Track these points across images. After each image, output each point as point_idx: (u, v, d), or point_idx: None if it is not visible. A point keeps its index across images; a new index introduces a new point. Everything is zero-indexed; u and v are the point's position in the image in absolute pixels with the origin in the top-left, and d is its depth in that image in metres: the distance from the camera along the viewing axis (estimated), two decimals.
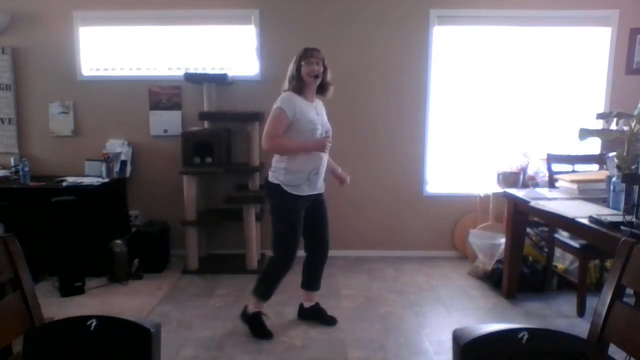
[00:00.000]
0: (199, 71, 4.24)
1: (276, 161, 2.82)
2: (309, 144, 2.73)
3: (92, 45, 4.27)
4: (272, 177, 2.80)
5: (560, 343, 1.34)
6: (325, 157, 2.85)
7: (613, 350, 1.50)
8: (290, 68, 2.78)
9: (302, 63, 2.73)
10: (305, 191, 2.78)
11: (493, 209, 4.11)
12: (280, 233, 2.82)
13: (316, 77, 2.76)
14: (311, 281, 3.10)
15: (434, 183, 4.41)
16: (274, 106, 2.72)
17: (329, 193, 3.05)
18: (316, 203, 2.89)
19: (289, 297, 3.48)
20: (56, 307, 3.23)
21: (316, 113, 2.80)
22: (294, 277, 3.87)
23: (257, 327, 2.92)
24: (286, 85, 2.80)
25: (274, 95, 4.39)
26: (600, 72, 4.27)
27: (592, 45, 4.26)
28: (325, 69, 2.80)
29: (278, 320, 3.11)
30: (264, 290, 2.91)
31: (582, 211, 2.70)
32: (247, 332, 2.93)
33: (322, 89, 2.84)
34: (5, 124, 4.31)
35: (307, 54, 2.74)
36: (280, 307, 3.30)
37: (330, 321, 3.06)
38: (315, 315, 3.10)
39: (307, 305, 3.12)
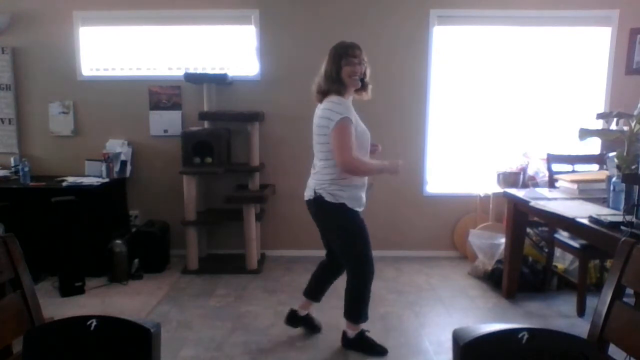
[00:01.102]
0: (199, 71, 4.24)
1: (332, 176, 2.46)
2: (386, 166, 2.52)
3: (92, 45, 4.27)
4: (330, 196, 2.46)
5: (560, 343, 1.34)
6: None
7: (613, 350, 1.50)
8: (327, 69, 2.45)
9: (343, 63, 2.42)
10: (363, 204, 2.56)
11: (493, 209, 4.11)
12: (359, 253, 2.55)
13: (361, 79, 2.49)
14: (317, 291, 2.89)
15: (434, 183, 4.41)
16: (337, 118, 2.33)
17: None
18: None
19: (289, 297, 3.49)
20: (56, 307, 3.24)
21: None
22: (295, 277, 3.88)
23: (368, 347, 2.70)
24: (322, 86, 2.47)
25: (274, 95, 4.45)
26: (600, 72, 4.27)
27: (592, 45, 4.26)
28: (365, 67, 2.53)
29: (278, 321, 3.11)
30: (360, 312, 2.65)
31: (582, 211, 2.70)
32: (355, 352, 2.72)
33: (359, 89, 2.55)
34: (5, 124, 4.31)
35: (349, 53, 2.43)
36: (281, 307, 3.30)
37: (318, 328, 2.94)
38: (305, 323, 2.94)
39: (301, 313, 2.92)
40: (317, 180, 2.51)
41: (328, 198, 2.46)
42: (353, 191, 2.49)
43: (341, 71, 2.42)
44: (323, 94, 2.47)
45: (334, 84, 2.43)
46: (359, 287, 2.60)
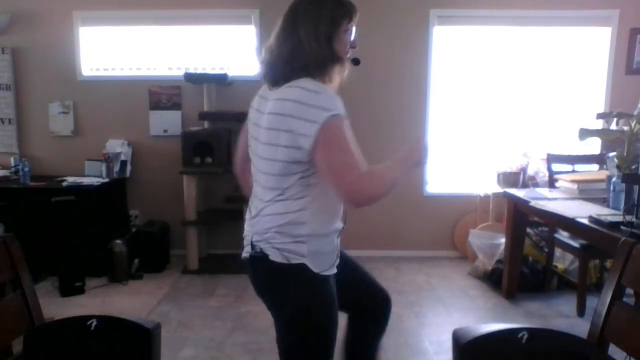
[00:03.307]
0: (199, 71, 4.24)
1: (287, 215, 1.41)
2: (408, 157, 1.54)
3: (92, 45, 4.27)
4: (277, 253, 1.42)
5: (560, 343, 1.34)
6: None
7: (613, 350, 1.50)
8: (313, 31, 1.39)
9: (343, 29, 1.43)
10: (335, 262, 1.52)
11: (493, 209, 4.10)
12: (314, 353, 1.52)
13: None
14: None
15: (434, 183, 4.41)
16: (327, 115, 1.30)
17: None
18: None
19: None
20: (56, 307, 3.24)
21: None
22: None
23: None
24: (290, 59, 1.40)
25: None
26: (600, 72, 4.27)
27: (592, 45, 4.26)
28: None
29: None
30: None
31: (582, 211, 2.70)
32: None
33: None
34: (5, 124, 4.31)
35: (353, 18, 1.46)
36: None
37: None
38: None
39: None
40: (258, 225, 1.48)
41: (275, 257, 1.42)
42: (320, 242, 1.44)
43: (336, 40, 1.43)
44: (287, 74, 1.40)
45: (324, 63, 1.41)
46: None
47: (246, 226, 1.58)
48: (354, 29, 1.48)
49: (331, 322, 1.47)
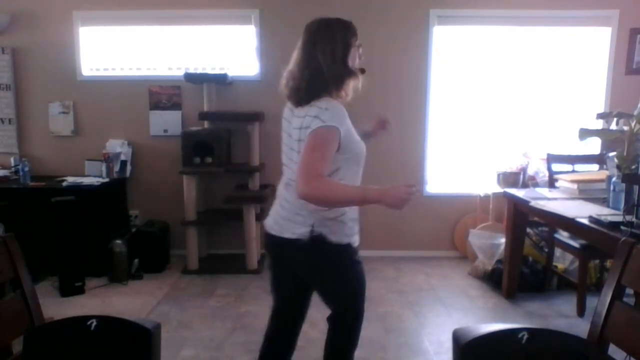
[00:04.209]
0: (199, 71, 4.24)
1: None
2: (376, 194, 1.63)
3: (92, 45, 4.27)
4: (333, 235, 1.72)
5: (560, 343, 1.34)
6: None
7: (613, 350, 1.50)
8: (331, 50, 1.69)
9: (353, 48, 1.75)
10: (356, 238, 1.84)
11: (493, 209, 4.11)
12: (353, 292, 1.90)
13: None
14: None
15: (434, 183, 4.41)
16: (317, 125, 1.59)
17: None
18: None
19: None
20: (56, 307, 3.23)
21: None
22: None
23: None
24: (313, 80, 1.68)
25: (274, 95, 4.40)
26: (600, 72, 4.27)
27: (592, 45, 4.26)
28: None
29: None
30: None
31: (582, 211, 2.70)
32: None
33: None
34: (5, 124, 4.31)
35: (356, 33, 1.78)
36: None
37: None
38: None
39: None
40: (312, 212, 1.69)
41: (333, 237, 1.72)
42: (353, 221, 1.81)
43: (348, 58, 1.73)
44: (309, 97, 1.67)
45: (335, 79, 1.70)
46: (354, 345, 1.98)
47: (283, 211, 1.80)
48: (360, 45, 1.77)
49: (364, 277, 1.89)
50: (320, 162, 1.58)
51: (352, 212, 1.78)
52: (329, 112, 1.61)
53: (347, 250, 1.77)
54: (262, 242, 1.92)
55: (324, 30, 1.75)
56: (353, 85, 1.77)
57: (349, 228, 1.77)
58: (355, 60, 1.76)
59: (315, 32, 1.76)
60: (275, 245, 1.83)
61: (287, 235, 1.74)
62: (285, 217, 1.77)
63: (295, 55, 1.76)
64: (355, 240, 1.82)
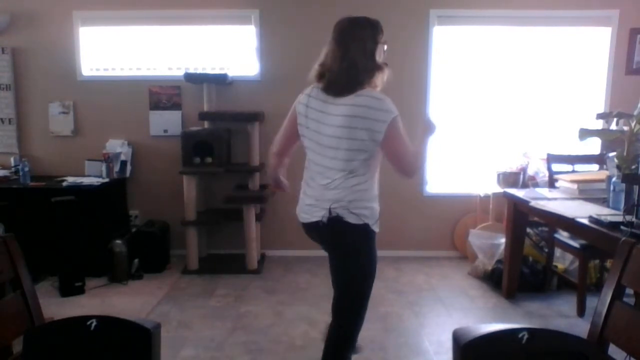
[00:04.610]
0: (199, 71, 4.24)
1: (355, 189, 1.91)
2: (426, 136, 2.09)
3: (92, 45, 4.27)
4: (353, 216, 1.91)
5: (560, 343, 1.34)
6: None
7: (613, 350, 1.50)
8: (364, 48, 1.91)
9: (380, 44, 1.96)
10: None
11: (493, 209, 4.10)
12: (366, 292, 2.03)
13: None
14: None
15: (434, 183, 4.41)
16: (392, 116, 1.89)
17: None
18: None
19: (289, 297, 3.49)
20: (56, 307, 3.24)
21: None
22: (295, 277, 3.88)
23: None
24: (358, 72, 1.90)
25: (274, 95, 4.45)
26: (600, 72, 4.27)
27: (592, 45, 4.26)
28: None
29: (278, 321, 3.12)
30: (354, 343, 2.16)
31: (582, 211, 2.70)
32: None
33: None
34: (5, 124, 4.31)
35: (382, 30, 2.00)
36: (281, 307, 3.31)
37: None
38: None
39: None
40: (331, 195, 1.92)
41: (350, 218, 1.90)
42: (375, 203, 1.98)
43: (376, 53, 1.95)
44: (350, 87, 1.89)
45: (369, 71, 1.92)
46: (357, 327, 2.08)
47: (309, 198, 2.01)
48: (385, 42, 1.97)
49: (376, 261, 2.01)
50: (409, 145, 1.93)
51: (368, 199, 1.95)
52: (388, 101, 1.90)
53: (362, 229, 1.93)
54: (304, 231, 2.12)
55: (355, 27, 1.97)
56: (381, 78, 1.97)
57: (364, 210, 1.93)
58: (381, 55, 1.96)
59: (346, 30, 1.97)
60: (309, 228, 2.04)
61: (313, 219, 1.97)
62: (310, 204, 2.00)
63: (325, 50, 1.97)
64: (372, 224, 1.95)
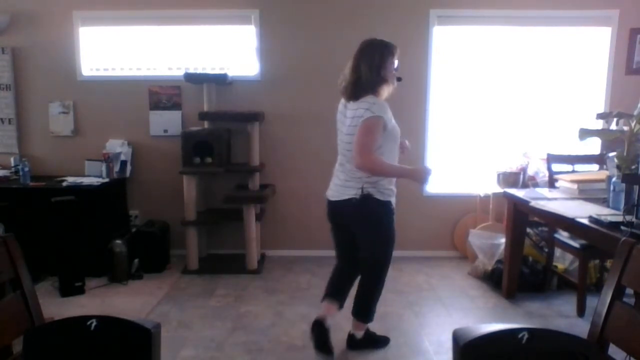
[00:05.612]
0: (199, 71, 4.24)
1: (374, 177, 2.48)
2: (409, 172, 2.53)
3: (92, 45, 4.27)
4: (380, 194, 2.47)
5: (560, 343, 1.34)
6: None
7: (613, 350, 1.50)
8: (370, 63, 2.39)
9: (389, 62, 2.45)
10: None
11: (493, 209, 4.10)
12: (387, 252, 2.60)
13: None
14: (340, 294, 2.77)
15: (434, 183, 4.40)
16: (368, 115, 2.30)
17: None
18: None
19: (289, 297, 3.49)
20: (56, 307, 3.23)
21: None
22: (295, 277, 3.88)
23: (374, 342, 2.77)
24: (362, 82, 2.40)
25: (274, 95, 4.45)
26: (600, 72, 4.26)
27: (592, 45, 4.26)
28: None
29: (278, 321, 3.12)
30: (372, 311, 2.69)
31: (582, 211, 2.70)
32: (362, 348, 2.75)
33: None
34: (5, 124, 4.31)
35: (394, 51, 2.49)
36: (281, 307, 3.31)
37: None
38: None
39: (326, 322, 2.64)
40: (360, 179, 2.43)
41: (378, 196, 2.44)
42: (392, 184, 2.52)
43: (382, 69, 2.41)
44: (356, 94, 2.40)
45: (376, 85, 2.40)
46: (378, 286, 2.64)
47: (340, 181, 2.53)
48: (396, 61, 2.49)
49: (394, 230, 2.61)
50: (371, 142, 2.30)
51: (389, 182, 2.50)
52: (376, 105, 2.32)
53: (386, 205, 2.49)
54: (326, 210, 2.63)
55: (368, 47, 2.44)
56: (387, 89, 2.45)
57: (388, 191, 2.49)
58: (389, 71, 2.43)
59: (363, 48, 2.44)
60: (335, 206, 2.54)
61: (344, 197, 2.46)
62: (341, 185, 2.50)
63: (349, 64, 2.45)
64: (393, 201, 2.54)
